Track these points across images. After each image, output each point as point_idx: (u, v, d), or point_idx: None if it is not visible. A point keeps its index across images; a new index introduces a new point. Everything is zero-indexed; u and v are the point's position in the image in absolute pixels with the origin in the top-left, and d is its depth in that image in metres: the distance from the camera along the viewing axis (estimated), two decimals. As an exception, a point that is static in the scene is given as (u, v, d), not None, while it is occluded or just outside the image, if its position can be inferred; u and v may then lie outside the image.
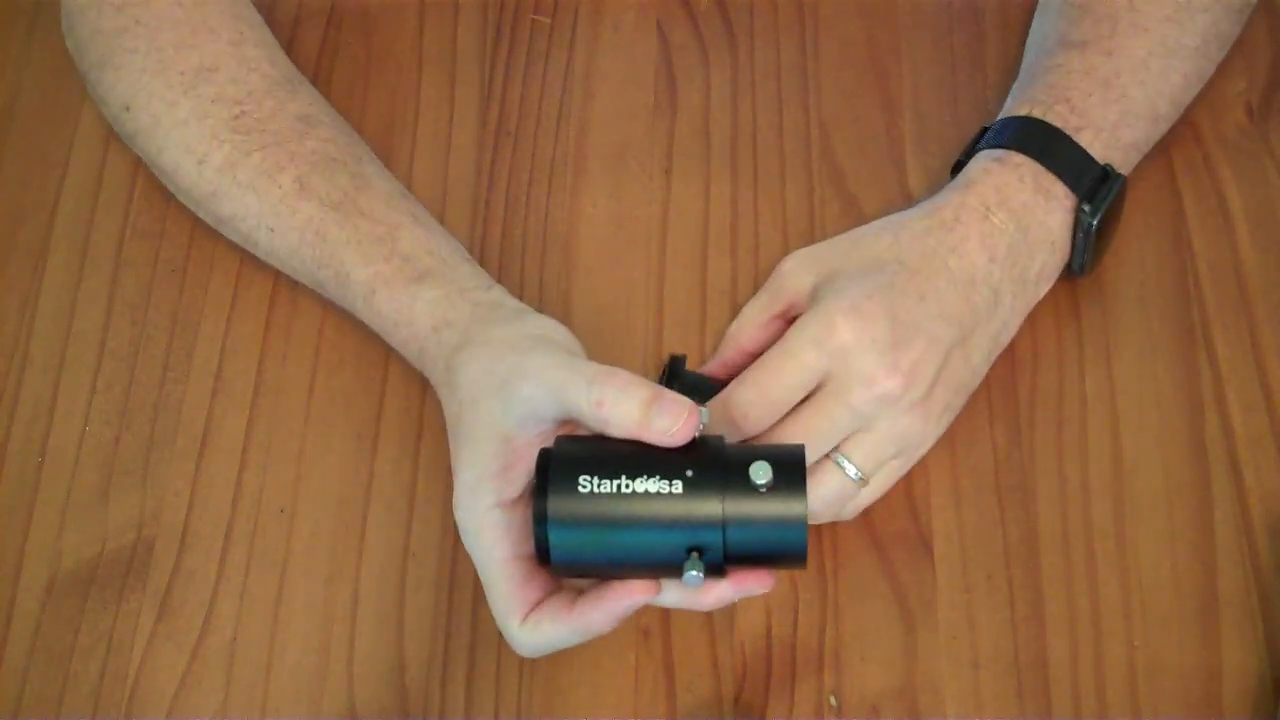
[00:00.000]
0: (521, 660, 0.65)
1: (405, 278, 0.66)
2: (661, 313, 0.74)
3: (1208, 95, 0.77)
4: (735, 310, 0.73)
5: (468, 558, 0.67)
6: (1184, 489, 0.69)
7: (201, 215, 0.73)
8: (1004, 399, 0.71)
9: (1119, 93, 0.70)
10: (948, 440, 0.69)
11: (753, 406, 0.63)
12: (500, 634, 0.65)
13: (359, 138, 0.74)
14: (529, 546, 0.59)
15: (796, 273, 0.68)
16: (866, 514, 0.67)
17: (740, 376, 0.64)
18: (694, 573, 0.55)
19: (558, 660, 0.65)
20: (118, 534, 0.69)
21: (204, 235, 0.75)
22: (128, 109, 0.72)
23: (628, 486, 0.55)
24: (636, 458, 0.56)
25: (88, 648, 0.66)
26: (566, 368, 0.58)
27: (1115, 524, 0.68)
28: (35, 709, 0.65)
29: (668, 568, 0.56)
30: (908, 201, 0.76)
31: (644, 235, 0.76)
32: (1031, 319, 0.72)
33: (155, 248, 0.76)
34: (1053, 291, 0.73)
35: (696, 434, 0.57)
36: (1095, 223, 0.68)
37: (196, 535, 0.69)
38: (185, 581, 0.68)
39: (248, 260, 0.74)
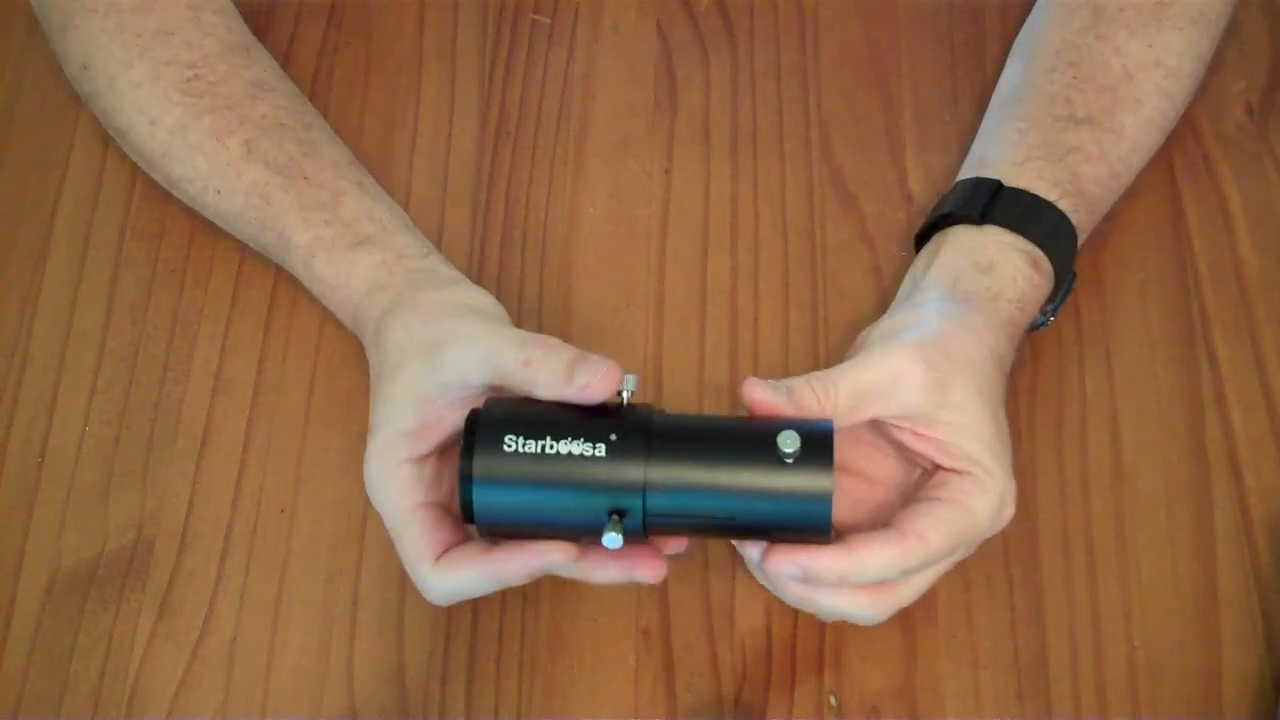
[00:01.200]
0: (521, 660, 0.65)
1: (345, 243, 0.67)
2: (661, 313, 0.74)
3: (1208, 95, 0.77)
4: (735, 310, 0.73)
5: (468, 558, 0.67)
6: (1184, 489, 0.69)
7: (154, 176, 0.74)
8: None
9: (1119, 185, 0.71)
10: (948, 440, 0.69)
11: (881, 574, 0.59)
12: (500, 633, 0.65)
13: (311, 107, 0.75)
14: (438, 495, 0.61)
15: (913, 389, 0.60)
16: (866, 514, 0.67)
17: (907, 539, 0.58)
18: (613, 534, 0.56)
19: (558, 660, 0.65)
20: (118, 534, 0.69)
21: (204, 235, 0.75)
22: (85, 68, 0.73)
23: (552, 447, 0.56)
24: (563, 420, 0.57)
25: (88, 648, 0.66)
26: (496, 333, 0.60)
27: (1115, 524, 0.68)
28: (35, 709, 0.65)
29: (589, 530, 0.57)
30: (908, 202, 0.76)
31: (644, 235, 0.76)
32: (1031, 319, 0.72)
33: (155, 248, 0.76)
34: (1053, 291, 0.73)
35: (624, 400, 0.58)
36: (1044, 324, 0.70)
37: (196, 535, 0.69)
38: (185, 581, 0.68)
39: (248, 260, 0.74)
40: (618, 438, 0.57)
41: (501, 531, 0.59)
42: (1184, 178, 0.76)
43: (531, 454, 0.56)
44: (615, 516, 0.56)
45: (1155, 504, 0.68)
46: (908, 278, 0.69)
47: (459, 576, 0.59)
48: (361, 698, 0.65)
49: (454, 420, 0.60)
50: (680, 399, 0.71)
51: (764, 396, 0.58)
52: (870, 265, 0.75)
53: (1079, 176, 0.69)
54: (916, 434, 0.61)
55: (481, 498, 0.57)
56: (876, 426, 0.62)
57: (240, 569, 0.68)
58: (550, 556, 0.58)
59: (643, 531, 0.57)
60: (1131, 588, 0.66)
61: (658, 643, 0.66)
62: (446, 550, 0.59)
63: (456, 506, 0.60)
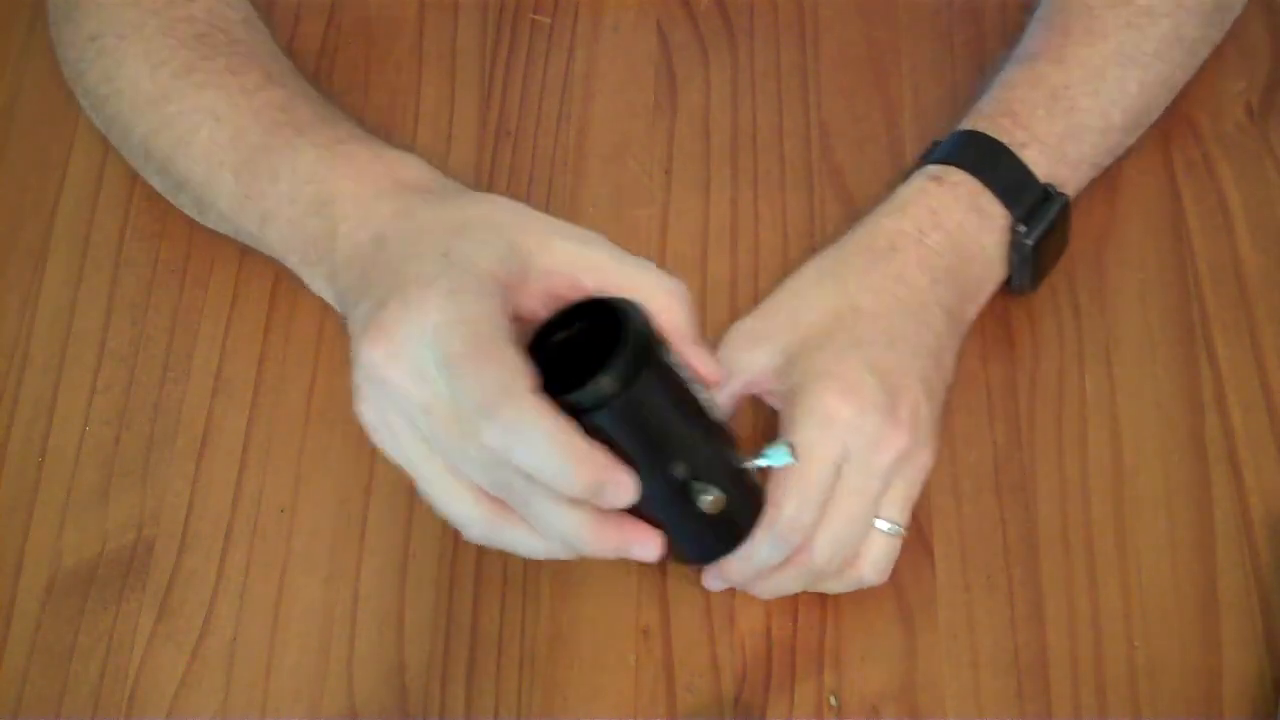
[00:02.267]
0: (521, 660, 0.65)
1: (385, 145, 0.64)
2: (661, 313, 0.74)
3: (1208, 95, 0.77)
4: (735, 310, 0.73)
5: (468, 557, 0.67)
6: (1184, 489, 0.69)
7: (136, 131, 0.70)
8: (1004, 399, 0.71)
9: (1068, 104, 0.69)
10: (948, 440, 0.69)
11: (799, 518, 0.59)
12: (500, 633, 0.65)
13: None
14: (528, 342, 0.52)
15: (749, 352, 0.64)
16: (866, 514, 0.67)
17: (773, 499, 0.59)
18: (709, 496, 0.53)
19: (558, 660, 0.65)
20: (118, 534, 0.69)
21: (204, 235, 0.75)
22: (94, 38, 0.71)
23: (695, 391, 0.53)
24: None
25: (88, 648, 0.66)
26: (599, 241, 0.55)
27: (1115, 524, 0.68)
28: (35, 709, 0.65)
29: (669, 483, 0.53)
30: (908, 201, 0.76)
31: (644, 235, 0.76)
32: (1031, 319, 0.72)
33: (155, 248, 0.76)
34: (1053, 292, 0.73)
35: None
36: (1031, 244, 0.67)
37: (196, 535, 0.69)
38: (185, 581, 0.68)
39: (248, 260, 0.74)
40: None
41: (620, 431, 0.51)
42: (1184, 178, 0.76)
43: (683, 381, 0.51)
44: (699, 483, 0.53)
45: (1155, 504, 0.68)
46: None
47: (550, 426, 0.48)
48: (361, 698, 0.65)
49: (532, 308, 0.53)
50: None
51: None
52: (870, 265, 0.75)
53: (999, 100, 0.69)
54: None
55: (621, 394, 0.49)
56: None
57: (240, 569, 0.68)
58: (628, 483, 0.51)
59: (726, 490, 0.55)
60: (1131, 588, 0.66)
61: (658, 643, 0.66)
62: (538, 388, 0.49)
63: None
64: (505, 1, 0.83)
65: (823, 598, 0.66)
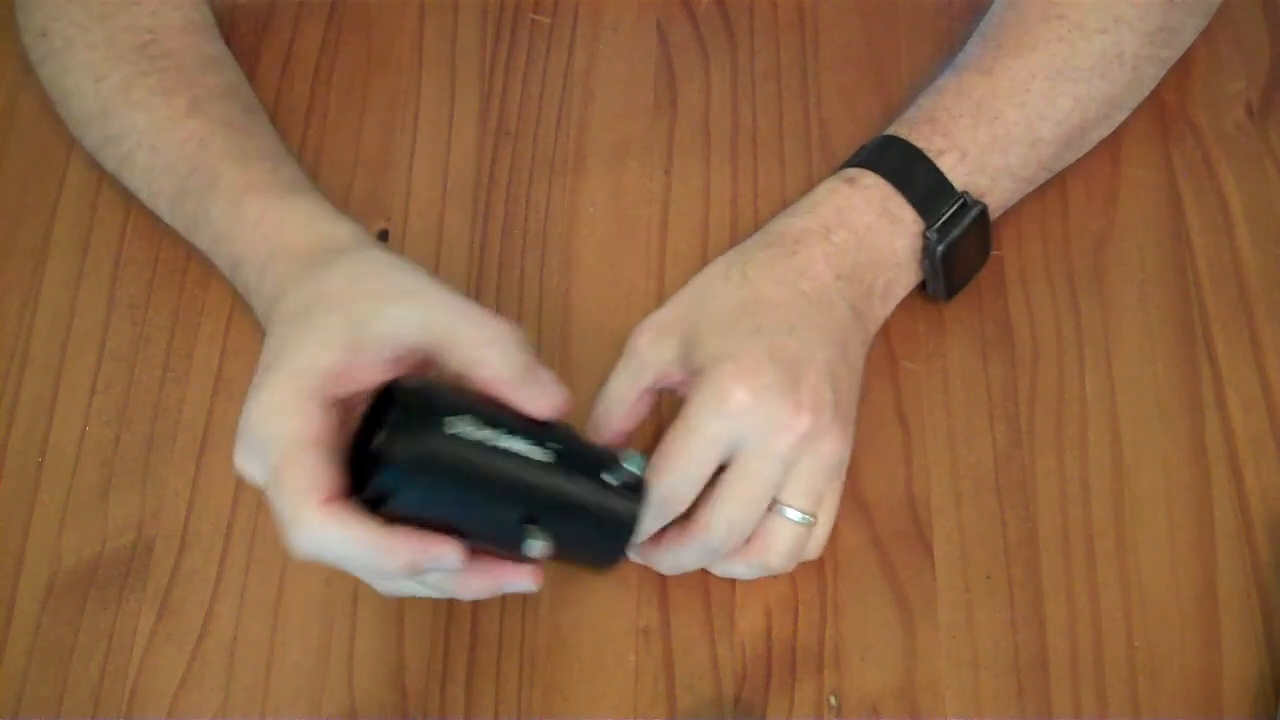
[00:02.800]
0: (521, 660, 0.65)
1: (283, 189, 0.65)
2: (661, 313, 0.74)
3: (1208, 95, 0.77)
4: (735, 310, 0.73)
5: (468, 558, 0.66)
6: (1184, 489, 0.69)
7: (86, 143, 0.73)
8: (1004, 399, 0.71)
9: (992, 114, 0.69)
10: (948, 440, 0.69)
11: (674, 489, 0.61)
12: (500, 634, 0.65)
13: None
14: (334, 443, 0.53)
15: (656, 344, 0.64)
16: (866, 514, 0.67)
17: (652, 465, 0.60)
18: (536, 542, 0.53)
19: (558, 660, 0.65)
20: (118, 534, 0.69)
21: (204, 235, 0.75)
22: (44, 34, 0.73)
23: (499, 440, 0.52)
24: (507, 417, 0.53)
25: (88, 648, 0.66)
26: (449, 298, 0.55)
27: (1115, 524, 0.68)
28: (35, 709, 0.65)
29: (499, 536, 0.53)
30: (908, 201, 0.76)
31: (644, 235, 0.76)
32: (1031, 319, 0.72)
33: (155, 248, 0.76)
34: (1053, 291, 0.73)
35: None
36: (940, 250, 0.67)
37: (196, 535, 0.69)
38: (185, 581, 0.68)
39: (248, 260, 0.74)
40: (562, 448, 0.54)
41: (408, 520, 0.52)
42: (1184, 178, 0.76)
43: (475, 442, 0.51)
44: (533, 525, 0.53)
45: (1155, 504, 0.68)
46: None
47: (343, 532, 0.51)
48: (361, 698, 0.65)
49: (372, 378, 0.54)
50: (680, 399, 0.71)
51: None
52: (870, 265, 0.75)
53: (921, 108, 0.70)
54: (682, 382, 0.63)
55: (403, 480, 0.51)
56: None
57: (240, 569, 0.68)
58: (440, 550, 0.52)
59: (545, 542, 0.54)
60: (1131, 588, 0.67)
61: (658, 643, 0.66)
62: (331, 498, 0.51)
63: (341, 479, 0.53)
64: (505, 1, 0.83)
65: (823, 597, 0.66)
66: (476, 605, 0.66)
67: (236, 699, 0.65)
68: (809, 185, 0.77)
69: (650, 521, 0.61)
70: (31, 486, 0.70)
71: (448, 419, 0.51)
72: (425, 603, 0.66)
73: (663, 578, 0.67)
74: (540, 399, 0.54)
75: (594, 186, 0.77)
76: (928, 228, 0.67)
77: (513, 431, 0.53)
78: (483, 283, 0.75)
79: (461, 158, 0.78)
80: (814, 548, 0.65)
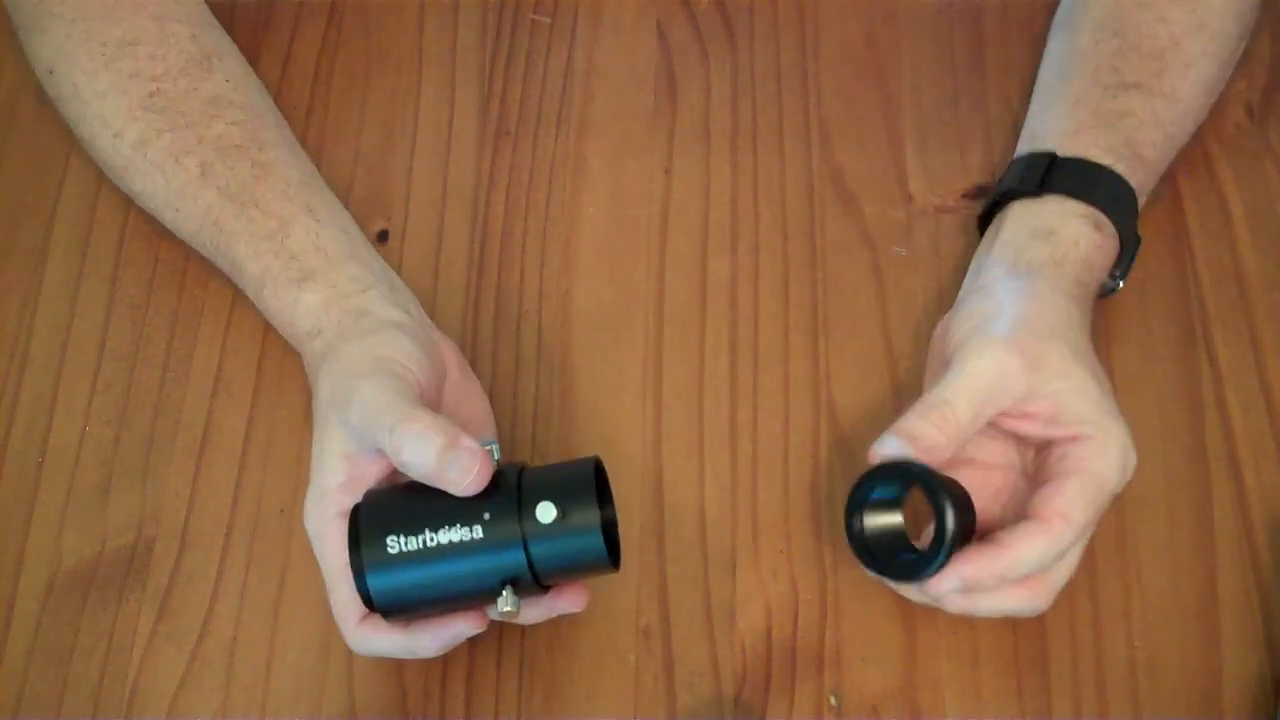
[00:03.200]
0: (521, 660, 0.65)
1: (290, 278, 0.67)
2: (661, 313, 0.74)
3: (1208, 95, 0.77)
4: (735, 310, 0.73)
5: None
6: (1184, 489, 0.69)
7: (117, 185, 0.74)
8: (1004, 399, 0.70)
9: (1173, 148, 0.72)
10: (948, 440, 0.69)
11: (1042, 560, 0.60)
12: (499, 633, 0.65)
13: (273, 117, 0.75)
14: None
15: (1016, 376, 0.62)
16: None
17: (1052, 523, 0.60)
18: (507, 607, 0.58)
19: (558, 660, 0.65)
20: (118, 534, 0.69)
21: (204, 235, 0.75)
22: (51, 73, 0.73)
23: (432, 540, 0.58)
24: (437, 508, 0.58)
25: (88, 648, 0.66)
26: (382, 406, 0.60)
27: (1115, 524, 0.68)
28: (35, 709, 0.65)
29: (488, 597, 0.59)
30: (908, 202, 0.76)
31: (644, 235, 0.76)
32: (1032, 319, 0.72)
33: (155, 248, 0.76)
34: (1053, 291, 0.73)
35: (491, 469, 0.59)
36: (1117, 288, 0.71)
37: (196, 535, 0.69)
38: (185, 581, 0.68)
39: (248, 260, 0.74)
40: (490, 515, 0.58)
41: (406, 614, 0.60)
42: (1184, 178, 0.76)
43: (414, 550, 0.58)
44: (508, 587, 0.58)
45: (1155, 504, 0.68)
46: (974, 261, 0.70)
47: (379, 642, 0.61)
48: (361, 698, 0.65)
49: (377, 471, 0.61)
50: (681, 399, 0.71)
51: (890, 457, 0.60)
52: (870, 265, 0.75)
53: (1134, 140, 0.70)
54: (1024, 414, 0.62)
55: (380, 592, 0.58)
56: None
57: (240, 569, 0.68)
58: (460, 629, 0.61)
59: (540, 587, 0.60)
60: (1131, 588, 0.66)
61: (658, 643, 0.66)
62: (363, 619, 0.61)
63: None
64: (505, 1, 0.83)
65: (823, 597, 0.66)
66: (476, 605, 0.66)
67: (236, 699, 0.65)
68: (809, 185, 0.77)
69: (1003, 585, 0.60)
70: (31, 486, 0.70)
71: (387, 539, 0.58)
72: (425, 603, 0.67)
73: (663, 578, 0.67)
74: (458, 482, 0.58)
75: (594, 186, 0.77)
76: (1116, 275, 0.70)
77: (443, 522, 0.58)
78: (482, 283, 0.75)
79: (461, 158, 0.78)
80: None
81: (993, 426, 0.63)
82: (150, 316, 0.74)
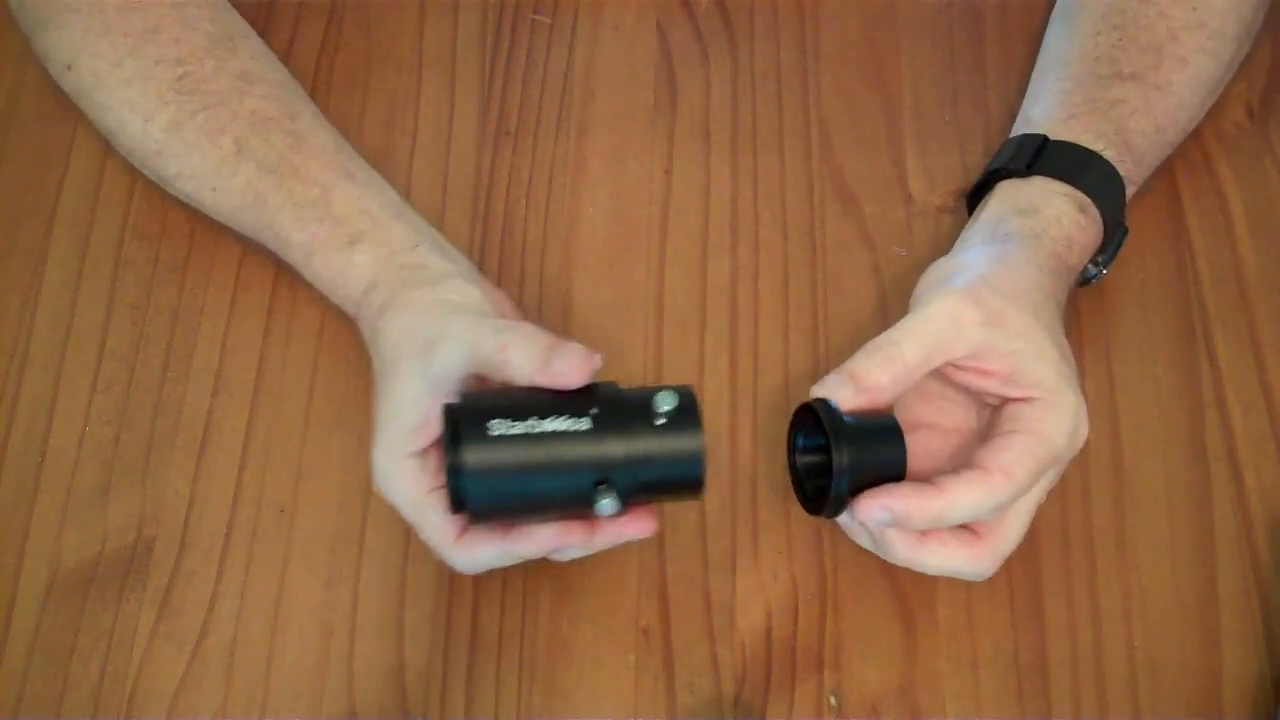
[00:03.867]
0: (521, 660, 0.65)
1: (338, 241, 0.68)
2: (661, 313, 0.74)
3: (1208, 95, 0.78)
4: (735, 310, 0.73)
5: (468, 558, 0.66)
6: (1184, 489, 0.69)
7: (145, 173, 0.74)
8: (1004, 399, 0.71)
9: (1164, 140, 0.72)
10: (948, 440, 0.69)
11: (1025, 488, 0.61)
12: (499, 634, 0.65)
13: (300, 91, 0.75)
14: (444, 480, 0.61)
15: (972, 326, 0.62)
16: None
17: (993, 475, 0.60)
18: (606, 501, 0.58)
19: (557, 660, 0.65)
20: (118, 534, 0.69)
21: (204, 235, 0.75)
22: (70, 68, 0.73)
23: (537, 426, 0.57)
24: (542, 402, 0.58)
25: (88, 648, 0.66)
26: (476, 325, 0.62)
27: (1115, 524, 0.68)
28: (35, 709, 0.65)
29: (577, 503, 0.58)
30: (908, 202, 0.76)
31: (644, 235, 0.76)
32: (1031, 319, 0.72)
33: (155, 248, 0.76)
34: (1053, 291, 0.73)
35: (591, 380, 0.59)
36: (1097, 276, 0.71)
37: (196, 535, 0.69)
38: (185, 581, 0.68)
39: (248, 260, 0.74)
40: (598, 411, 0.58)
41: (492, 515, 0.59)
42: (1184, 178, 0.76)
43: (518, 435, 0.57)
44: (603, 485, 0.58)
45: (1155, 504, 0.68)
46: (960, 236, 0.70)
47: (480, 552, 0.61)
48: (361, 698, 0.65)
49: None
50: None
51: (830, 396, 0.60)
52: (870, 265, 0.75)
53: (1125, 129, 0.70)
54: (981, 370, 0.62)
55: (474, 487, 0.57)
56: (939, 374, 0.63)
57: (240, 569, 0.68)
58: (566, 537, 0.60)
59: (624, 502, 0.59)
60: (1131, 588, 0.66)
61: (658, 643, 0.66)
62: (466, 528, 0.61)
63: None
64: (505, 1, 0.83)
65: (823, 596, 0.66)
66: (477, 605, 0.66)
67: (236, 699, 0.65)
68: (809, 185, 0.77)
69: (937, 527, 0.61)
70: (31, 486, 0.70)
71: (490, 424, 0.57)
72: (425, 603, 0.67)
73: (663, 577, 0.67)
74: (564, 375, 0.58)
75: (594, 186, 0.77)
76: (1099, 253, 0.70)
77: (548, 414, 0.58)
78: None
79: (461, 158, 0.78)
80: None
81: (952, 387, 0.64)
82: (150, 316, 0.74)
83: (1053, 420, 0.61)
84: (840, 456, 0.59)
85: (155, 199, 0.76)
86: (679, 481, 0.59)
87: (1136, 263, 0.74)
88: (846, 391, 0.60)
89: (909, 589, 0.66)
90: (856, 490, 0.60)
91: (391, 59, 0.81)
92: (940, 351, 0.61)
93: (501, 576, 0.67)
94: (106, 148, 0.78)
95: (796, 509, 0.68)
